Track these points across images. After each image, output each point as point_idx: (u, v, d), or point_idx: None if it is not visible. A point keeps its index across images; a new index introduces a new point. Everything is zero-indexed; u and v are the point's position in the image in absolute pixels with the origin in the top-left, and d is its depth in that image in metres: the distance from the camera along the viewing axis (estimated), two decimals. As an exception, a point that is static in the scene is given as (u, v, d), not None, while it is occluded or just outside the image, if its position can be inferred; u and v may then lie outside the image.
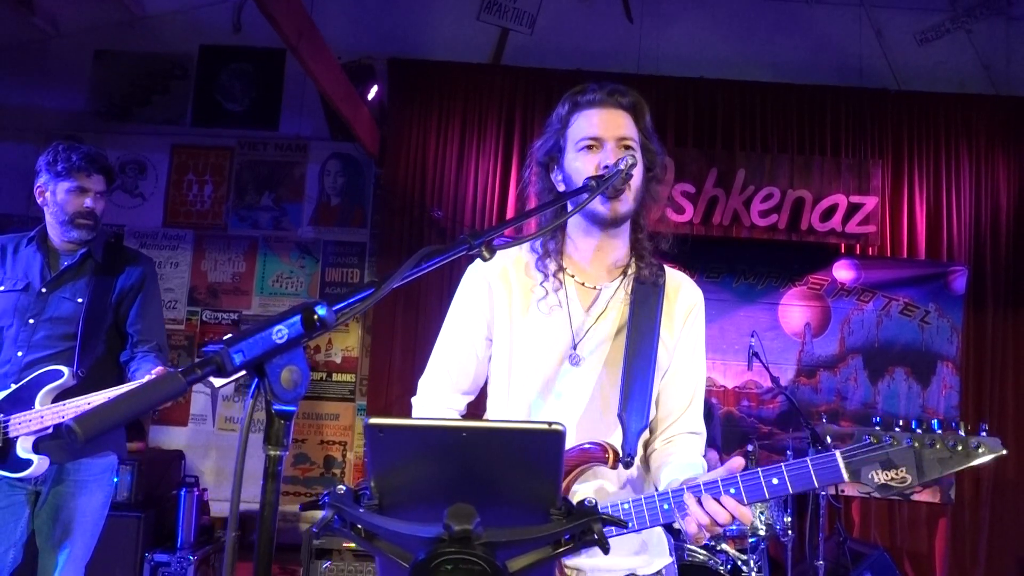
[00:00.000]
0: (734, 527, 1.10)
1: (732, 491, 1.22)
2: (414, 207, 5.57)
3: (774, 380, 4.30)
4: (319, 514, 0.90)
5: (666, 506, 1.30)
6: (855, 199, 5.39)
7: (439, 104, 5.65)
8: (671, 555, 1.59)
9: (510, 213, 5.48)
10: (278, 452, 0.79)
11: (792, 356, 5.39)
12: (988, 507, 5.40)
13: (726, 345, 5.29)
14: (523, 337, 1.52)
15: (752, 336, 4.38)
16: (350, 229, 5.78)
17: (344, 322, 0.87)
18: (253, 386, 0.80)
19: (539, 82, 5.52)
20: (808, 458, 1.21)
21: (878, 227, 5.46)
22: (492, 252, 1.13)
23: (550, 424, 0.83)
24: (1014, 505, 5.41)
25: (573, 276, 1.55)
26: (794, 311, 5.43)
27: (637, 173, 1.49)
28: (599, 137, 1.49)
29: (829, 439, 4.02)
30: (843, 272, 5.45)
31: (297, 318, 0.79)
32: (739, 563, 3.65)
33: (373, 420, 0.83)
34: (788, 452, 4.39)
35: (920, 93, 5.67)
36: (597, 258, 1.55)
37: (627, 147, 1.49)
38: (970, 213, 5.60)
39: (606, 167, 1.43)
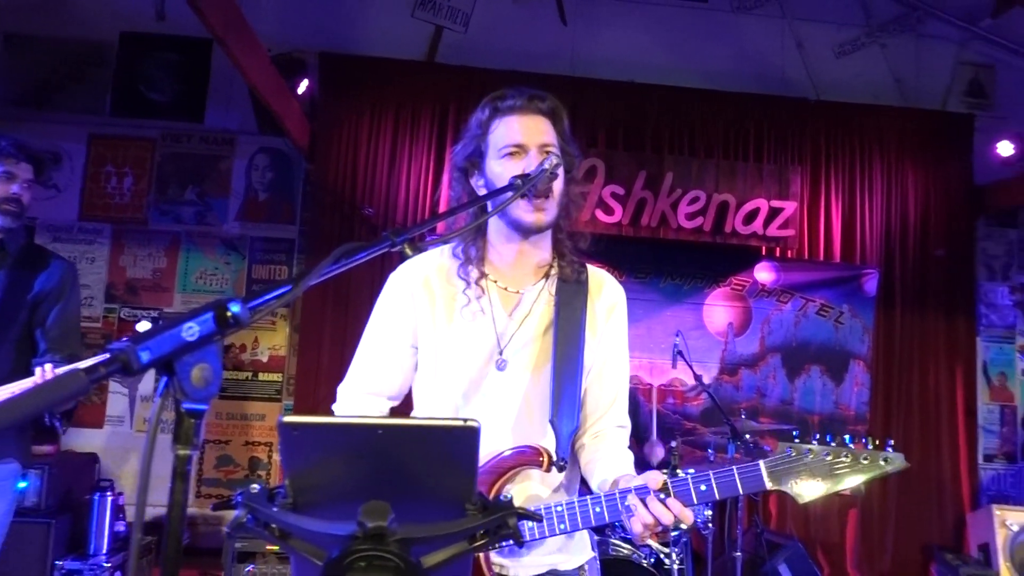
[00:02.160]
0: (675, 531, 1.16)
1: (662, 496, 1.27)
2: (345, 204, 5.50)
3: (697, 378, 4.43)
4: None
5: (598, 508, 1.35)
6: (776, 204, 5.60)
7: (372, 100, 5.59)
8: (593, 550, 1.62)
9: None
10: (187, 452, 0.78)
11: (715, 355, 5.56)
12: (895, 498, 5.68)
13: (653, 344, 5.41)
14: (448, 344, 1.52)
15: (677, 335, 4.49)
16: (278, 225, 5.66)
17: (259, 319, 0.86)
18: (162, 385, 0.78)
19: (473, 81, 5.52)
20: (735, 467, 1.28)
21: (797, 231, 5.69)
22: (415, 250, 1.14)
23: (465, 421, 0.84)
24: (919, 496, 5.71)
25: (495, 281, 1.56)
26: (718, 311, 5.60)
27: (560, 174, 1.51)
28: (522, 144, 1.50)
29: (748, 436, 4.17)
30: (764, 274, 5.65)
31: (209, 315, 0.78)
32: (662, 556, 3.74)
33: (287, 419, 0.83)
34: (710, 449, 4.53)
35: (837, 103, 5.93)
36: (519, 262, 1.57)
37: (548, 153, 1.52)
38: (881, 218, 5.89)
39: (530, 170, 1.45)
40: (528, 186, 1.41)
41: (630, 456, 1.50)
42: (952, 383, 5.88)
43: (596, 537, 3.90)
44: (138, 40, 5.61)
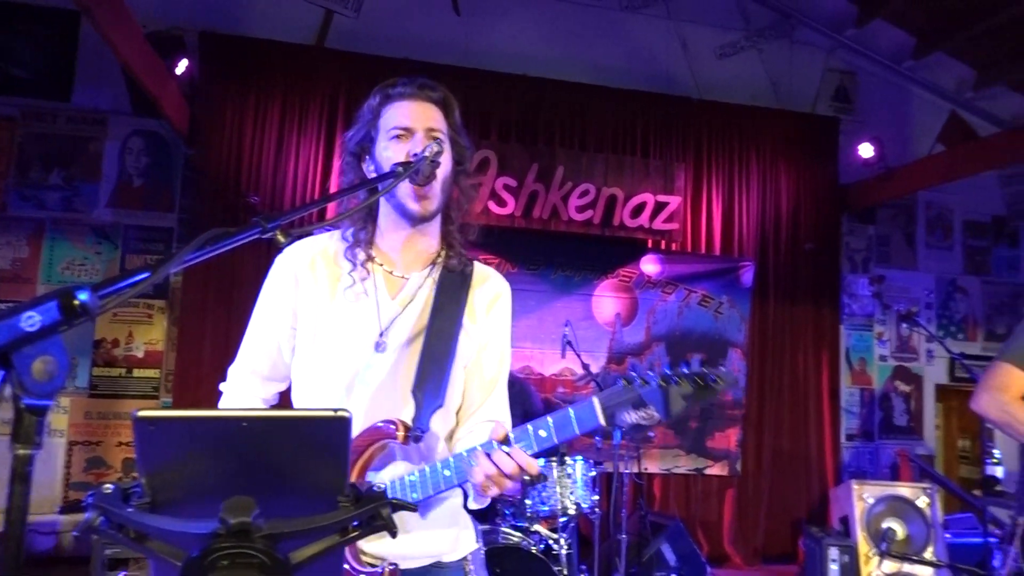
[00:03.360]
0: (527, 478, 1.17)
1: (506, 448, 1.29)
2: (228, 191, 5.27)
3: (586, 367, 4.54)
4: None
5: (447, 472, 1.35)
6: (661, 198, 5.81)
7: (258, 84, 5.37)
8: (478, 542, 1.63)
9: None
10: (28, 451, 0.72)
11: (604, 344, 5.72)
12: (768, 478, 6.05)
13: (543, 335, 5.50)
14: (329, 326, 1.51)
15: (566, 325, 4.59)
16: (156, 213, 5.36)
17: (112, 308, 0.81)
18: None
19: (365, 68, 5.41)
20: (570, 407, 1.29)
21: (681, 225, 5.93)
22: (288, 237, 1.10)
23: (335, 411, 0.83)
24: (790, 475, 6.10)
25: (382, 265, 1.56)
26: (606, 302, 5.76)
27: (446, 163, 1.51)
28: (409, 127, 1.51)
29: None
30: (650, 266, 5.86)
31: (53, 303, 0.72)
32: (551, 542, 3.82)
33: (142, 413, 0.78)
34: (597, 436, 4.64)
35: (718, 103, 6.21)
36: (407, 248, 1.57)
37: (435, 138, 1.51)
38: (757, 214, 6.23)
39: (415, 155, 1.44)
40: (410, 172, 1.40)
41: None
42: (819, 368, 6.31)
43: (485, 526, 3.93)
44: (-5, 9, 5.16)
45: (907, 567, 4.06)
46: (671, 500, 5.80)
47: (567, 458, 3.87)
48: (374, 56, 5.45)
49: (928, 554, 4.07)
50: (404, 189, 1.47)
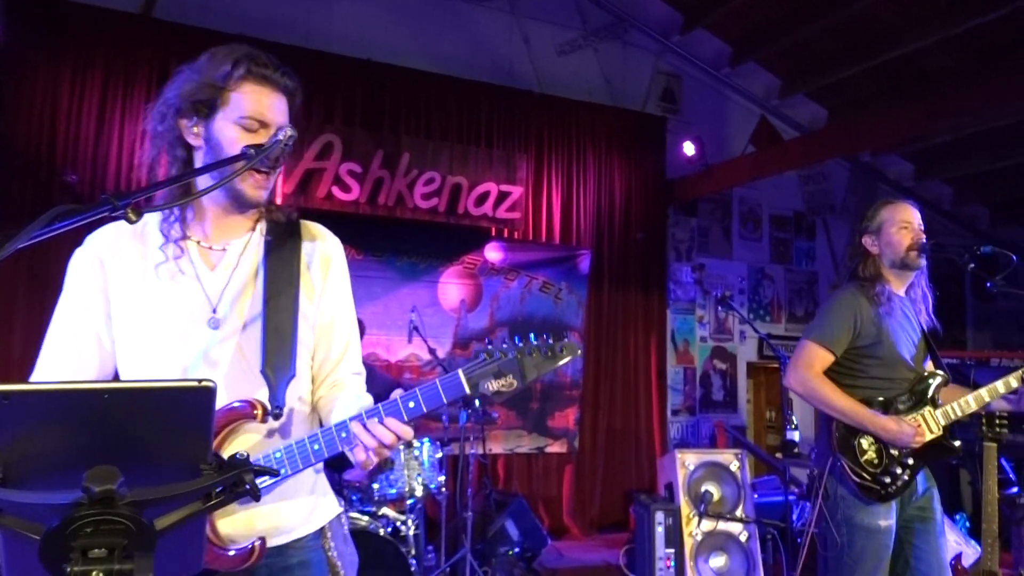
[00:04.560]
0: (401, 445, 1.22)
1: (376, 419, 1.36)
2: (41, 169, 4.82)
3: (432, 352, 4.63)
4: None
5: (316, 446, 1.39)
6: (504, 187, 6.00)
7: (75, 53, 4.94)
8: (341, 506, 1.65)
9: (163, 182, 5.03)
10: None
11: (449, 330, 5.83)
12: (603, 453, 6.46)
13: (390, 321, 5.53)
14: (150, 308, 1.44)
15: (412, 311, 4.65)
16: (-50, 190, 4.79)
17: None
18: None
19: (197, 42, 5.01)
20: (437, 379, 1.40)
21: (523, 214, 6.16)
22: (139, 215, 1.09)
23: (200, 381, 0.85)
24: (621, 451, 6.55)
25: (198, 241, 1.50)
26: (451, 288, 5.87)
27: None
28: (267, 123, 1.45)
29: (478, 402, 4.47)
30: (493, 253, 6.04)
31: None
32: (399, 524, 3.89)
33: (-3, 387, 0.77)
34: (444, 417, 4.75)
35: (558, 98, 6.50)
36: (222, 221, 1.51)
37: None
38: (593, 205, 6.60)
39: (271, 138, 1.41)
40: (261, 156, 1.39)
41: (369, 399, 1.52)
42: (648, 350, 6.81)
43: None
44: None
45: (721, 525, 4.51)
46: (514, 478, 6.04)
47: (414, 440, 3.95)
48: (208, 30, 5.18)
49: (739, 512, 4.55)
50: (247, 174, 1.42)
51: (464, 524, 4.37)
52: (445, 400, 1.39)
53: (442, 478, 4.11)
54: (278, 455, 1.39)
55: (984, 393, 2.60)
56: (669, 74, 7.20)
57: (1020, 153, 6.97)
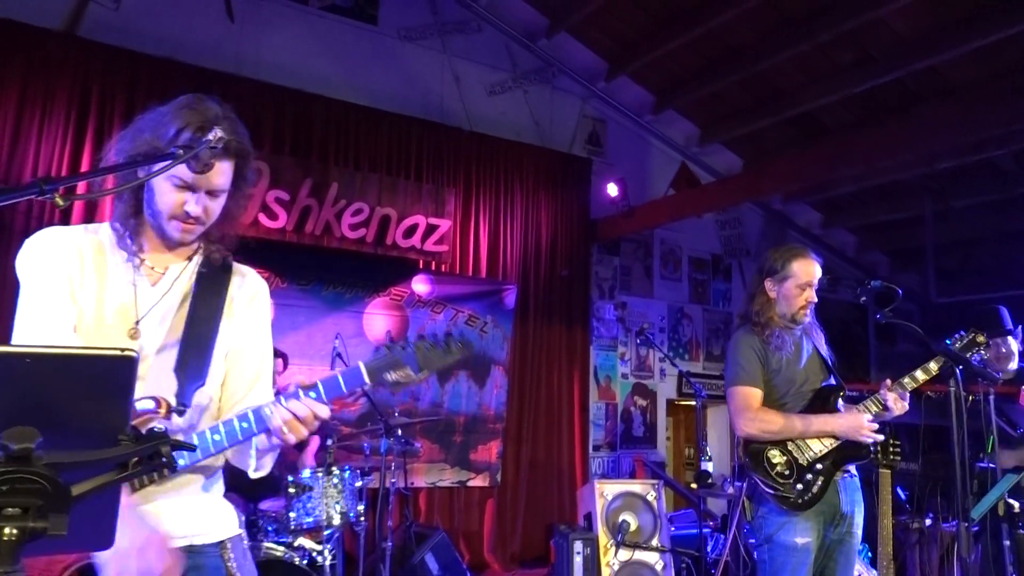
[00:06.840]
0: (317, 423, 1.28)
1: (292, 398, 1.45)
2: (-54, 183, 4.62)
3: (356, 380, 4.58)
4: None
5: (245, 424, 1.42)
6: (432, 220, 6.07)
7: (-11, 66, 4.80)
8: (241, 528, 1.66)
9: (80, 203, 4.89)
10: None
11: (374, 361, 5.78)
12: (525, 487, 6.48)
13: (313, 351, 5.46)
14: (90, 314, 1.49)
15: (336, 338, 4.61)
16: None
17: None
18: None
19: (124, 64, 5.06)
20: (337, 370, 1.48)
21: (450, 247, 6.23)
22: (67, 201, 1.11)
23: (122, 350, 0.88)
24: (544, 484, 6.58)
25: (143, 260, 1.56)
26: (377, 319, 5.86)
27: (216, 206, 1.55)
28: (192, 186, 1.49)
29: (400, 431, 4.45)
30: (420, 285, 6.07)
31: None
32: (315, 555, 3.80)
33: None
34: (365, 447, 4.70)
35: (487, 136, 6.66)
36: (162, 248, 1.59)
37: (218, 192, 1.54)
38: (520, 241, 6.73)
39: (200, 140, 1.42)
40: (188, 158, 1.41)
41: None
42: (571, 385, 6.92)
43: (247, 542, 3.81)
44: None
45: (638, 554, 4.59)
46: (435, 512, 5.98)
47: (334, 468, 3.89)
48: (136, 52, 5.12)
49: (655, 542, 4.64)
50: (171, 222, 1.50)
51: (383, 555, 4.30)
52: (345, 391, 1.47)
53: (361, 507, 4.05)
54: (213, 434, 1.43)
55: (905, 381, 2.75)
56: (595, 118, 7.49)
57: (917, 205, 7.52)
